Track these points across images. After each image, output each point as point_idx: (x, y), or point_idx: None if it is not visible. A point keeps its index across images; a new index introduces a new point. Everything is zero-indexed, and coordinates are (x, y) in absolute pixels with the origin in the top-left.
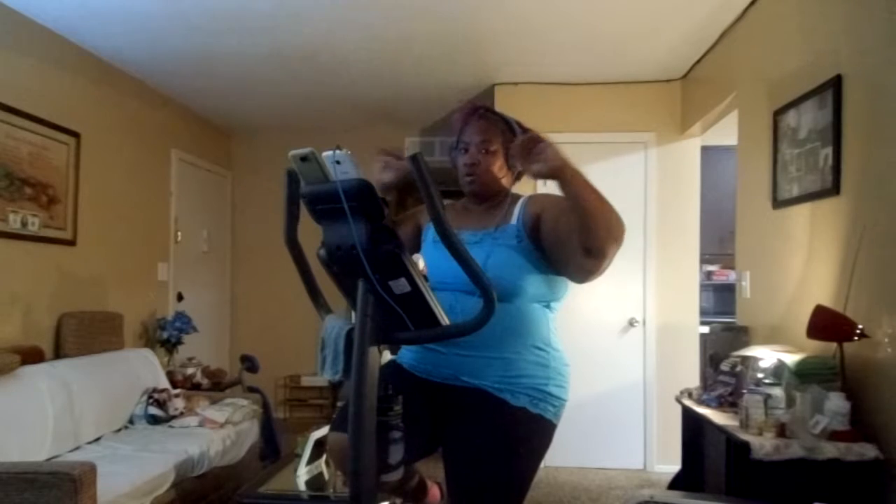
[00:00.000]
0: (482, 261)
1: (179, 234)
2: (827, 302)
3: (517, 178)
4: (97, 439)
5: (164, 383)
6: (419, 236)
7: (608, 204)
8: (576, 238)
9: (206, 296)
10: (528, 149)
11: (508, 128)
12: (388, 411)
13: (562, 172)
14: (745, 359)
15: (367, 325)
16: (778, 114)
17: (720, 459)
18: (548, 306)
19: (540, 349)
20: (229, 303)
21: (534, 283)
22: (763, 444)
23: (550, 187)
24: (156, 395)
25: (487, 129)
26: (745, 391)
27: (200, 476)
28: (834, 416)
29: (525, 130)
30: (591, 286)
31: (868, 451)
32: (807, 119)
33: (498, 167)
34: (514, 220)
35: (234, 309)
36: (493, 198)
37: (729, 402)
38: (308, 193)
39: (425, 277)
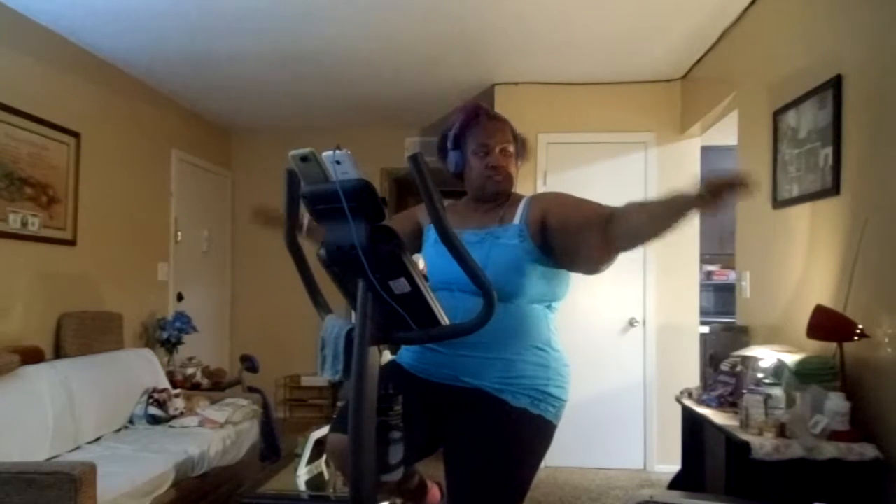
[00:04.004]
0: (482, 259)
1: (179, 234)
2: (827, 302)
3: None
4: (97, 439)
5: (164, 383)
6: (420, 236)
7: None
8: (599, 235)
9: (206, 296)
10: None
11: (510, 126)
12: (388, 411)
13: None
14: (745, 359)
15: (367, 325)
16: (778, 114)
17: (720, 459)
18: (548, 307)
19: (540, 350)
20: (229, 303)
21: (534, 283)
22: (763, 444)
23: (550, 185)
24: (156, 395)
25: (503, 130)
26: (745, 391)
27: (200, 476)
28: (834, 416)
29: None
30: (591, 286)
31: (868, 451)
32: (807, 119)
33: (515, 168)
34: (516, 219)
35: (234, 309)
36: (500, 197)
37: (729, 402)
38: (308, 193)
39: (425, 277)
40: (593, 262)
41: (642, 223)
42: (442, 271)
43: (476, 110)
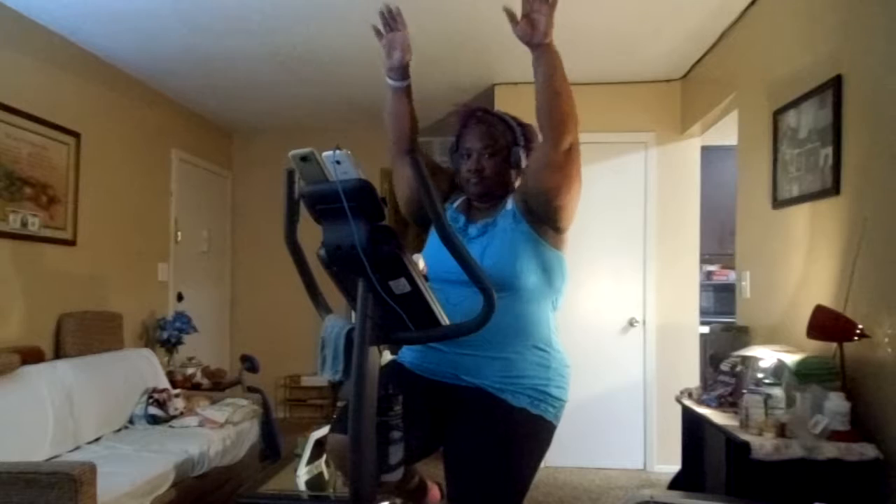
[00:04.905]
0: (483, 248)
1: (179, 234)
2: (827, 302)
3: (518, 175)
4: (97, 439)
5: (164, 383)
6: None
7: (570, 88)
8: (539, 122)
9: (206, 296)
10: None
11: (507, 127)
12: (388, 411)
13: (544, 43)
14: (745, 359)
15: (367, 325)
16: (778, 114)
17: (720, 459)
18: (549, 304)
19: (541, 349)
20: (229, 303)
21: (531, 268)
22: (763, 444)
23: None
24: (156, 395)
25: (488, 132)
26: (745, 391)
27: (200, 476)
28: (834, 416)
29: (522, 125)
30: (590, 286)
31: (868, 451)
32: (807, 119)
33: (501, 170)
34: (509, 206)
35: (234, 309)
36: (497, 198)
37: (729, 402)
38: (308, 193)
39: (425, 277)
40: (545, 162)
41: (538, 93)
42: (444, 263)
43: (468, 114)
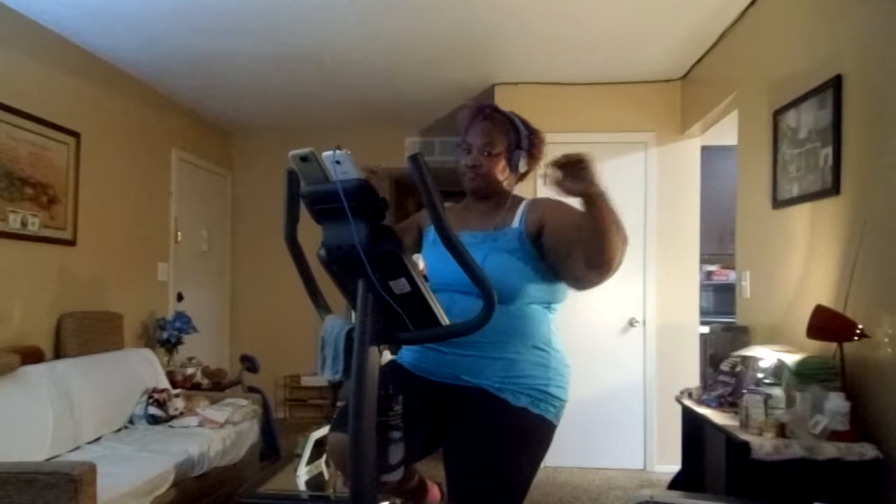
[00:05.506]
0: (483, 257)
1: (179, 234)
2: (827, 302)
3: (520, 179)
4: (97, 439)
5: (164, 383)
6: (421, 241)
7: (622, 227)
8: (580, 251)
9: (206, 296)
10: (572, 168)
11: (513, 127)
12: (388, 411)
13: (596, 196)
14: (745, 359)
15: (367, 325)
16: (778, 114)
17: (720, 459)
18: (548, 307)
19: (541, 349)
20: (229, 303)
21: (533, 286)
22: (763, 444)
23: (553, 192)
24: (156, 395)
25: (491, 130)
26: (745, 391)
27: (200, 476)
28: (834, 416)
29: (530, 130)
30: None
31: (868, 451)
32: (807, 119)
33: (500, 169)
34: (515, 223)
35: (234, 309)
36: (493, 197)
37: (729, 402)
38: (308, 193)
39: (425, 277)
40: (579, 278)
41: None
42: (440, 273)
43: (477, 111)
